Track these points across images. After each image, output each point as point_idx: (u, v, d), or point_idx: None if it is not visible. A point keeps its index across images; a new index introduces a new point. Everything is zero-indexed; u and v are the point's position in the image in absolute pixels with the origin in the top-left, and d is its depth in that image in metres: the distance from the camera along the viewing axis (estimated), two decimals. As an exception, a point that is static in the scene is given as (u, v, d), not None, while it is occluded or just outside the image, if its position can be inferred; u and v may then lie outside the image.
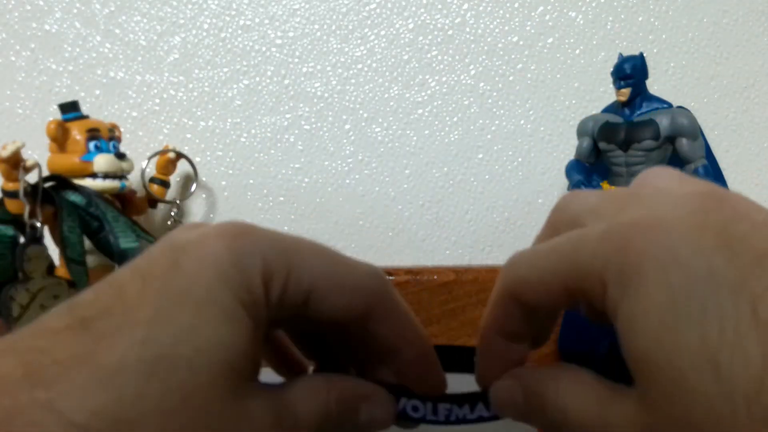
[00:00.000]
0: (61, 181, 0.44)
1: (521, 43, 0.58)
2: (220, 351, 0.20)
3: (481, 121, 0.59)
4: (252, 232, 0.22)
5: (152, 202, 0.53)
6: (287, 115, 0.58)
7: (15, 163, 0.41)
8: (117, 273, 0.21)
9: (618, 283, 0.19)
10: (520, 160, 0.59)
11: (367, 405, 0.24)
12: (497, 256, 0.59)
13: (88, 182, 0.46)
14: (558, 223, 0.24)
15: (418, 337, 0.25)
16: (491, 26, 0.58)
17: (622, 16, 0.59)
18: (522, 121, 0.59)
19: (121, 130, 0.51)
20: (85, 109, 0.48)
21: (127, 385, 0.18)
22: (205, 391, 0.19)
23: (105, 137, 0.47)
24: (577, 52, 0.59)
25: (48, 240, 0.44)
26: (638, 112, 0.46)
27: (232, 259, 0.21)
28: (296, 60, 0.58)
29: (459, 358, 0.28)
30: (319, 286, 0.22)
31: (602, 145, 0.47)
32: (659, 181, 0.22)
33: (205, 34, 0.57)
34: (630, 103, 0.46)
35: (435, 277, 0.56)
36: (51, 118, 0.46)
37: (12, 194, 0.42)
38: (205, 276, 0.20)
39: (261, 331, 0.21)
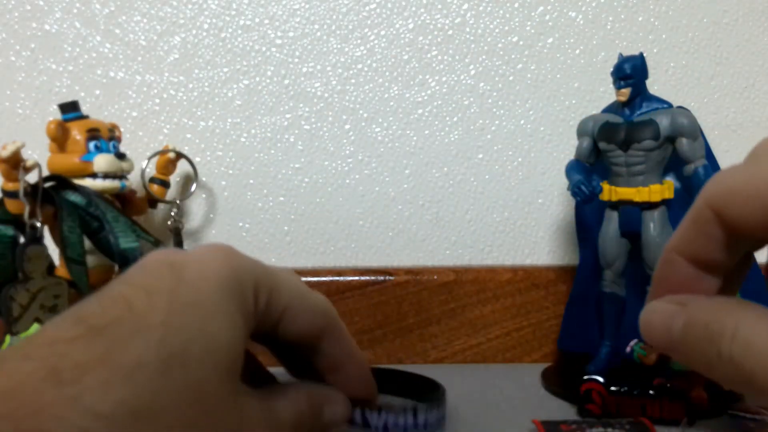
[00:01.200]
0: (61, 181, 0.44)
1: (521, 43, 0.58)
2: (226, 353, 0.22)
3: (481, 121, 0.59)
4: (240, 254, 0.25)
5: (152, 202, 0.53)
6: (287, 115, 0.58)
7: (15, 163, 0.41)
8: (116, 288, 0.23)
9: None
10: (520, 160, 0.59)
11: (329, 406, 0.28)
12: (497, 256, 0.59)
13: (88, 182, 0.46)
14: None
15: (358, 356, 0.29)
16: (491, 26, 0.58)
17: (622, 16, 0.59)
18: (522, 121, 0.59)
19: (121, 130, 0.51)
20: (85, 109, 0.48)
21: (145, 381, 0.20)
22: (213, 388, 0.22)
23: (105, 137, 0.47)
24: (577, 52, 0.59)
25: (48, 240, 0.44)
26: (638, 112, 0.46)
27: (230, 274, 0.24)
28: (296, 60, 0.58)
29: (390, 381, 0.33)
30: (292, 305, 0.26)
31: (602, 145, 0.47)
32: None
33: (205, 34, 0.57)
34: (630, 103, 0.46)
35: (435, 277, 0.56)
36: (51, 118, 0.46)
37: (12, 194, 0.42)
38: (209, 288, 0.23)
39: (248, 338, 0.24)
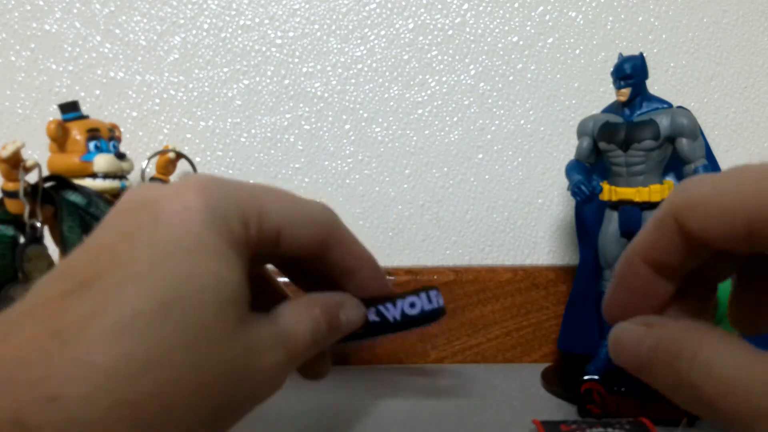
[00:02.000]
0: (61, 181, 0.44)
1: (521, 43, 0.58)
2: (221, 287, 0.22)
3: (481, 121, 0.59)
4: (221, 182, 0.24)
5: (152, 202, 0.52)
6: (287, 115, 0.58)
7: (15, 163, 0.41)
8: (97, 237, 0.22)
9: None
10: (520, 160, 0.59)
11: (344, 310, 0.28)
12: (497, 256, 0.59)
13: (88, 182, 0.46)
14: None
15: (367, 257, 0.29)
16: (491, 26, 0.58)
17: (622, 16, 0.59)
18: (522, 121, 0.59)
19: (121, 130, 0.51)
20: (85, 109, 0.48)
21: (144, 331, 0.20)
22: (214, 325, 0.21)
23: (105, 137, 0.47)
24: (577, 52, 0.59)
25: (48, 240, 0.44)
26: (638, 112, 0.46)
27: (210, 207, 0.22)
28: (296, 60, 0.58)
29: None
30: (286, 224, 0.25)
31: (602, 145, 0.47)
32: None
33: (205, 34, 0.57)
34: (630, 103, 0.46)
35: (435, 277, 0.56)
36: (51, 118, 0.46)
37: (12, 194, 0.42)
38: (189, 225, 0.22)
39: (247, 268, 0.24)
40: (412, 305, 0.30)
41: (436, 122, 0.59)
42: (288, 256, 0.26)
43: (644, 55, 0.46)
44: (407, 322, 0.30)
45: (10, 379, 0.18)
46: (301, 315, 0.26)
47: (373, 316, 0.29)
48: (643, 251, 0.22)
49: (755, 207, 0.18)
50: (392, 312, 0.29)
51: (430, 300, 0.30)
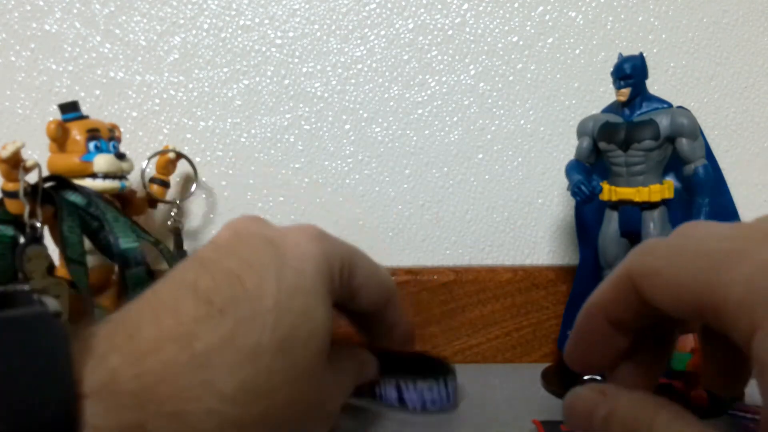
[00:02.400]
0: (61, 181, 0.44)
1: (521, 43, 0.58)
2: (323, 331, 0.25)
3: (481, 121, 0.59)
4: (328, 235, 0.28)
5: (152, 202, 0.53)
6: (287, 115, 0.58)
7: (15, 163, 0.41)
8: (221, 260, 0.24)
9: None
10: (520, 160, 0.59)
11: (366, 368, 0.32)
12: (497, 256, 0.59)
13: (88, 182, 0.46)
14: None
15: (407, 318, 0.33)
16: (491, 26, 0.58)
17: (622, 16, 0.59)
18: (522, 121, 0.59)
19: (121, 130, 0.51)
20: (85, 109, 0.48)
21: (262, 363, 0.22)
22: (314, 364, 0.24)
23: (105, 137, 0.47)
24: (577, 52, 0.59)
25: (48, 240, 0.44)
26: (638, 112, 0.46)
27: (324, 258, 0.26)
28: (296, 60, 0.58)
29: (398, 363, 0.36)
30: (366, 283, 0.29)
31: (602, 145, 0.47)
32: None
33: (205, 34, 0.57)
34: (630, 103, 0.46)
35: (435, 277, 0.56)
36: (51, 118, 0.46)
37: (12, 194, 0.42)
38: (308, 271, 0.25)
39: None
40: (433, 401, 0.34)
41: (436, 122, 0.59)
42: (357, 309, 0.30)
43: (644, 55, 0.46)
44: (422, 407, 0.34)
45: (144, 396, 0.20)
46: (348, 368, 0.29)
47: (393, 398, 0.33)
48: (601, 305, 0.23)
49: (703, 289, 0.18)
50: (411, 395, 0.34)
51: (447, 388, 0.35)
